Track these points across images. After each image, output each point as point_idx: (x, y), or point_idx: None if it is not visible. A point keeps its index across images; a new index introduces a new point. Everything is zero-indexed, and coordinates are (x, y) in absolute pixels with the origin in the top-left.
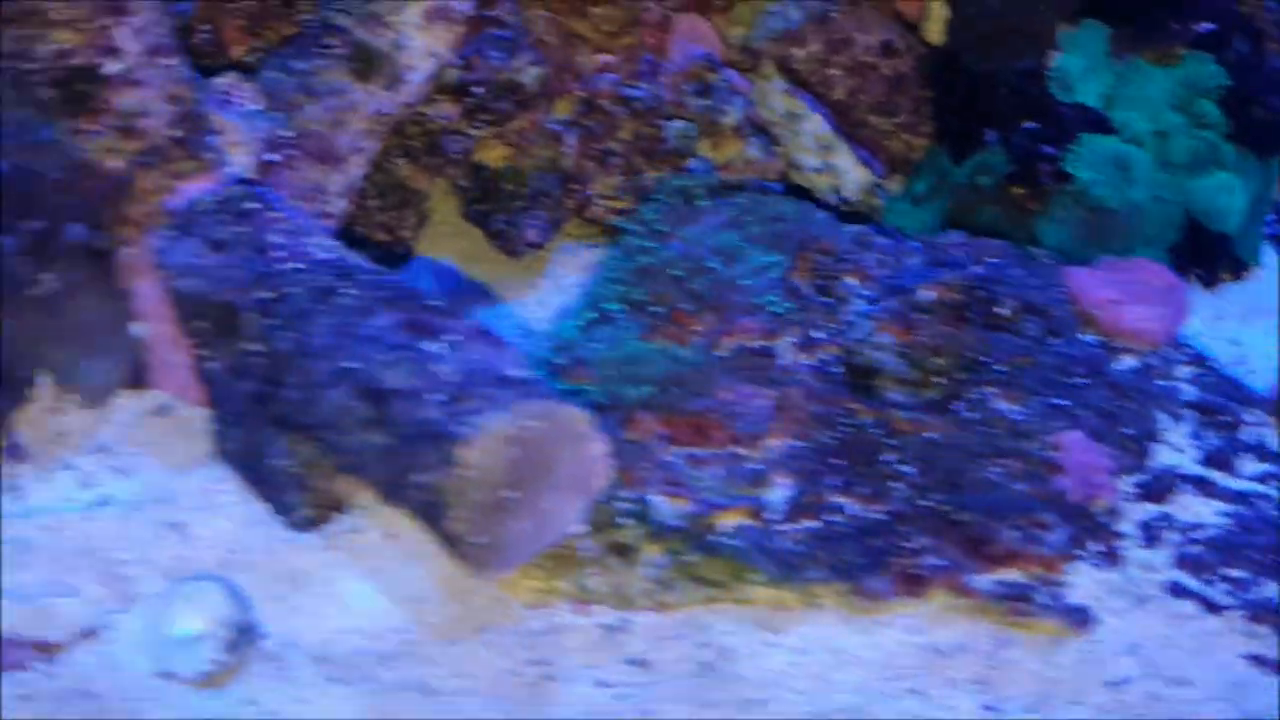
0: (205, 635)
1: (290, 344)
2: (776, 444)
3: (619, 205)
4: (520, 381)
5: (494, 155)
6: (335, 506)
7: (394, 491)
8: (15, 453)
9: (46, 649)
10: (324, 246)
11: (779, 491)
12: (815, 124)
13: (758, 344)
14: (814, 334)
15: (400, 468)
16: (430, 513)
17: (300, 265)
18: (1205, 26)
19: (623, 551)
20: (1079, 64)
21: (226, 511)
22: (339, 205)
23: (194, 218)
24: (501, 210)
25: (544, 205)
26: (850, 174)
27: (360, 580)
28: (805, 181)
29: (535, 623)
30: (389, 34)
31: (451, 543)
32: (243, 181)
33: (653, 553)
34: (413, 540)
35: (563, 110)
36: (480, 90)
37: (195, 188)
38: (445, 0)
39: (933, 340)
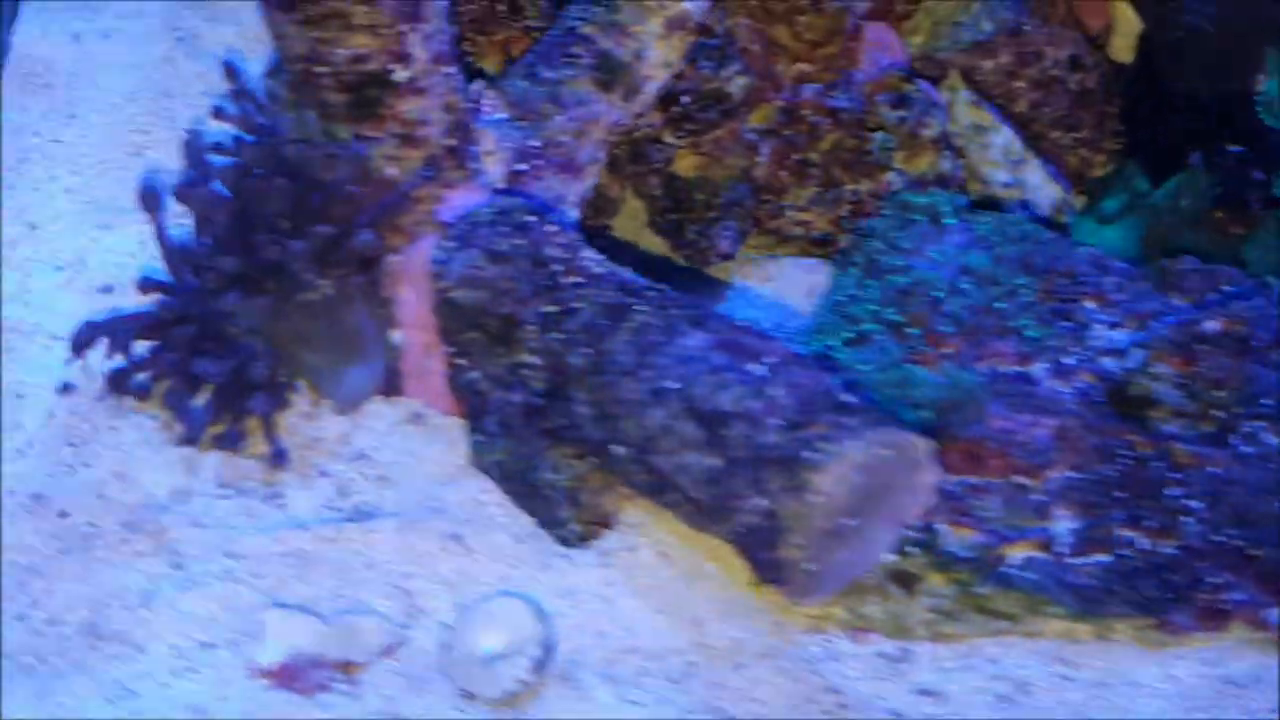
0: (511, 654)
1: (583, 359)
2: (1056, 474)
3: (810, 218)
4: (859, 407)
5: (686, 164)
6: (604, 523)
7: (711, 514)
8: (279, 459)
9: (348, 669)
10: (596, 260)
11: (1063, 524)
12: (1005, 137)
13: (1013, 368)
14: (1064, 360)
15: (728, 491)
16: (758, 537)
17: (580, 279)
18: None
19: (905, 580)
20: None
21: (499, 524)
22: (573, 216)
23: (473, 229)
24: (695, 220)
25: (735, 215)
26: (1042, 190)
27: (636, 599)
28: (991, 196)
29: (813, 648)
30: (632, 44)
31: (775, 568)
32: (516, 191)
33: (936, 583)
34: (686, 559)
35: (760, 119)
36: (687, 99)
37: (460, 197)
38: (683, 8)
39: (1215, 372)
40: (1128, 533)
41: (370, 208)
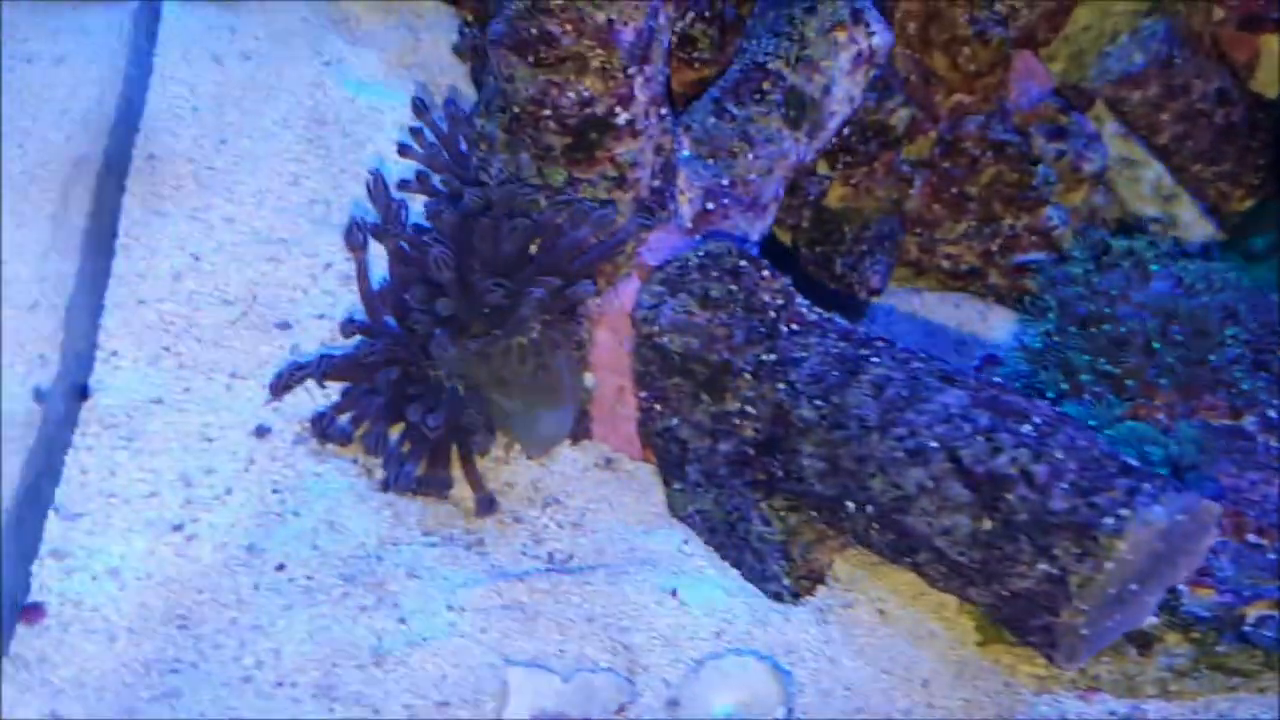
0: (748, 715)
1: (814, 411)
2: None
3: (959, 252)
4: (1147, 471)
5: (834, 195)
6: (818, 578)
7: (973, 577)
8: (488, 506)
9: None
10: (808, 305)
11: None
12: (1156, 172)
13: (1225, 422)
14: (1270, 413)
15: (1002, 555)
16: (1032, 602)
17: (798, 326)
18: None
19: (1143, 641)
20: None
21: (708, 577)
22: (754, 254)
23: (683, 273)
24: (845, 253)
25: (885, 250)
26: (1193, 227)
27: (859, 658)
28: (1141, 231)
29: (1043, 708)
30: (821, 79)
31: (1045, 632)
32: (724, 235)
33: (1173, 642)
34: (906, 618)
35: (915, 151)
36: (848, 131)
37: (658, 238)
38: (875, 42)
39: None
40: None
41: (588, 254)
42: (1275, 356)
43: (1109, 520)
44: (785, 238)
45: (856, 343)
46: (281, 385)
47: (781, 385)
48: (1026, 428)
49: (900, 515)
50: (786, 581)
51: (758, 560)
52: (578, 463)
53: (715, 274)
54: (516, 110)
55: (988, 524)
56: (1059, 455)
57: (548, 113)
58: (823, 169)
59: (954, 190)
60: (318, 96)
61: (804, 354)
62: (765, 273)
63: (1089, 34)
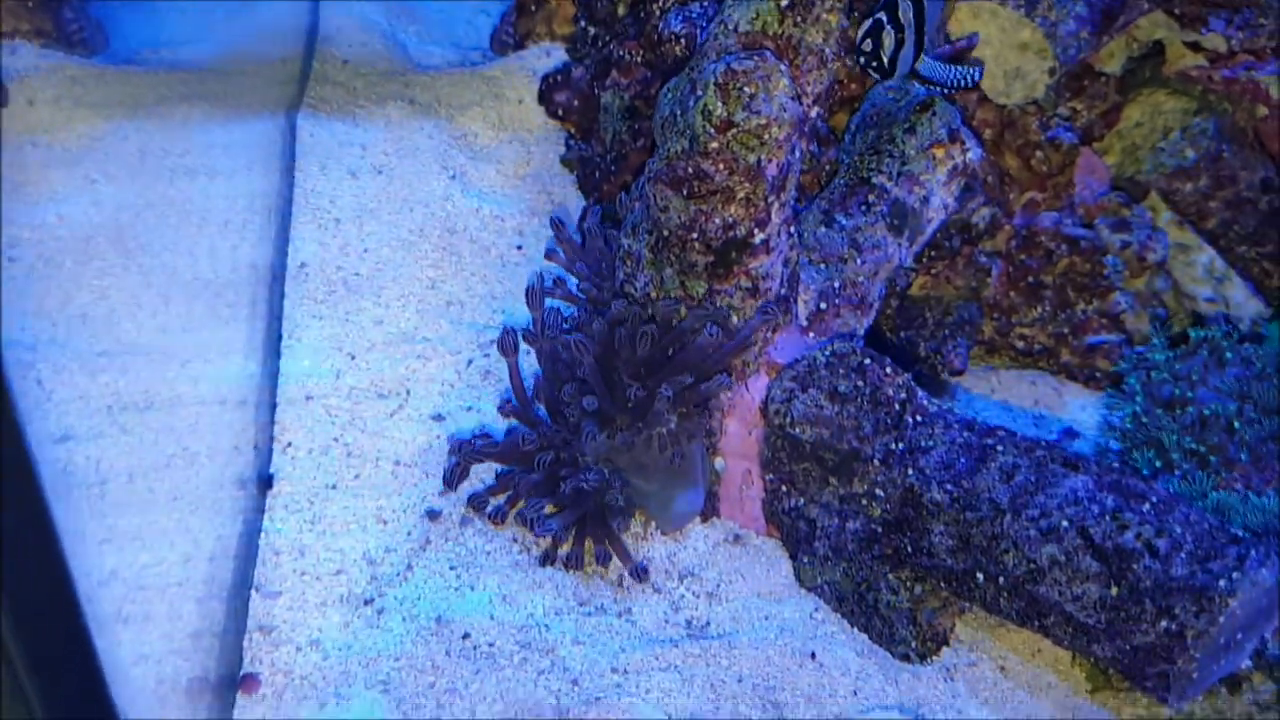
0: None
1: (944, 495)
2: None
3: (1033, 333)
4: (1251, 540)
5: (916, 284)
6: (943, 640)
7: (1097, 635)
8: (641, 573)
9: None
10: (929, 398)
11: None
12: (1209, 256)
13: None
14: None
15: (1127, 616)
16: (1149, 656)
17: (922, 418)
18: None
19: (1232, 682)
20: None
21: (840, 641)
22: (861, 344)
23: (812, 371)
24: (926, 338)
25: (966, 333)
26: (1244, 306)
27: (983, 708)
28: (1192, 310)
29: None
30: (920, 190)
31: (1160, 678)
32: (846, 337)
33: (1259, 681)
34: (1025, 672)
35: (992, 244)
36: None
37: (786, 339)
38: (969, 159)
39: None
40: None
41: (717, 353)
42: None
43: (1223, 582)
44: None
45: (980, 432)
46: (455, 476)
47: (911, 471)
48: (1146, 507)
49: (1033, 585)
50: (914, 644)
51: (887, 625)
52: (709, 539)
53: (842, 371)
54: (666, 234)
55: (1115, 590)
56: (1177, 529)
57: (695, 235)
58: (911, 262)
59: (1029, 279)
60: (447, 208)
61: (931, 443)
62: (888, 369)
63: (1141, 130)
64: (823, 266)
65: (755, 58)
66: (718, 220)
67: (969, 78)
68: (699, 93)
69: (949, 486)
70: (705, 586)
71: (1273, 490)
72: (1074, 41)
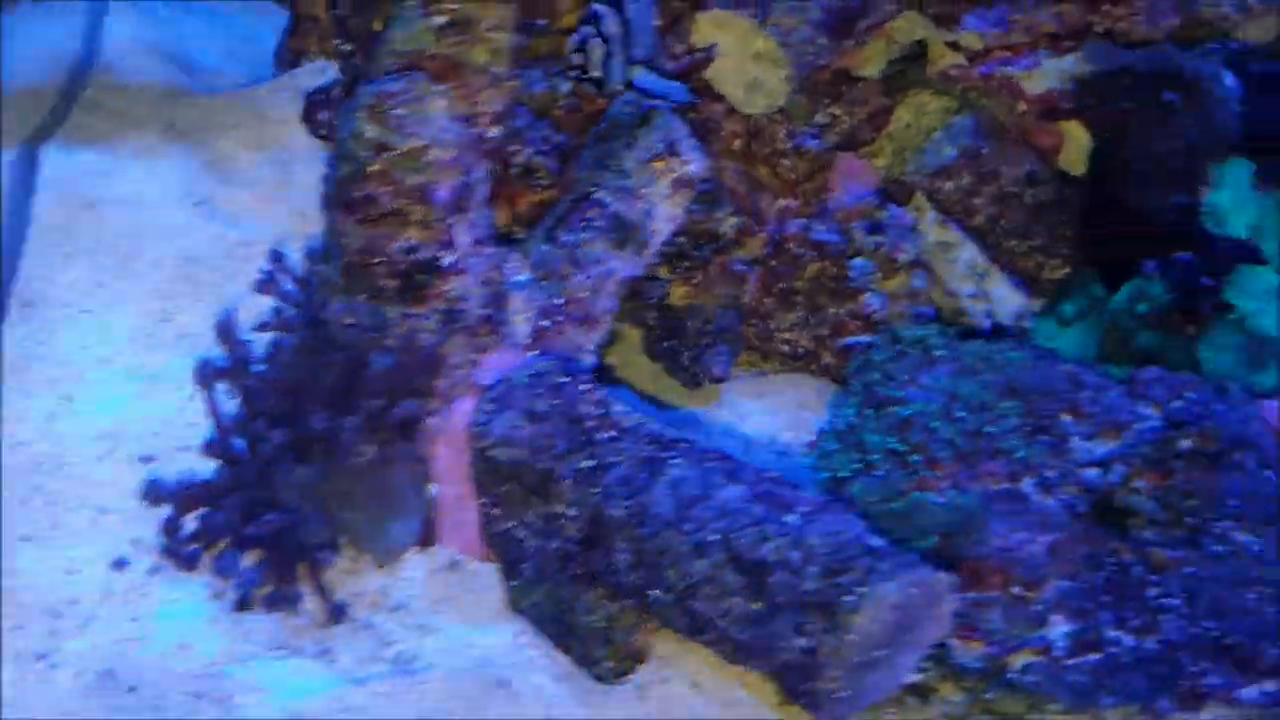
0: None
1: (623, 511)
2: (1051, 585)
3: (794, 337)
4: (887, 550)
5: (678, 294)
6: (638, 658)
7: (752, 652)
8: (339, 614)
9: None
10: (625, 413)
11: (1058, 629)
12: (970, 253)
13: (1004, 486)
14: (1047, 473)
15: (770, 632)
16: (798, 673)
17: (613, 433)
18: None
19: (921, 693)
20: (1228, 198)
21: (538, 666)
22: (591, 363)
23: (510, 392)
24: (688, 346)
25: (726, 340)
26: (1006, 300)
27: None
28: (957, 307)
29: None
30: (641, 205)
31: (811, 695)
32: (547, 355)
33: (948, 692)
34: (717, 688)
35: (747, 252)
36: (682, 239)
37: (494, 359)
38: (688, 171)
39: (1187, 484)
40: (1115, 632)
41: (406, 378)
42: (1057, 421)
43: (849, 598)
44: (636, 337)
45: (664, 444)
46: (172, 531)
47: (598, 488)
48: (792, 517)
49: (690, 600)
50: (608, 664)
51: (583, 646)
52: (424, 568)
53: (539, 390)
54: (350, 260)
55: (757, 605)
56: (815, 541)
57: (378, 260)
58: (665, 273)
59: (782, 285)
60: (192, 236)
61: (617, 459)
62: (585, 386)
63: (909, 131)
64: (545, 284)
65: (406, 79)
66: (398, 244)
67: (678, 92)
68: (355, 116)
69: (626, 502)
70: (416, 619)
71: (982, 488)
72: (810, 49)
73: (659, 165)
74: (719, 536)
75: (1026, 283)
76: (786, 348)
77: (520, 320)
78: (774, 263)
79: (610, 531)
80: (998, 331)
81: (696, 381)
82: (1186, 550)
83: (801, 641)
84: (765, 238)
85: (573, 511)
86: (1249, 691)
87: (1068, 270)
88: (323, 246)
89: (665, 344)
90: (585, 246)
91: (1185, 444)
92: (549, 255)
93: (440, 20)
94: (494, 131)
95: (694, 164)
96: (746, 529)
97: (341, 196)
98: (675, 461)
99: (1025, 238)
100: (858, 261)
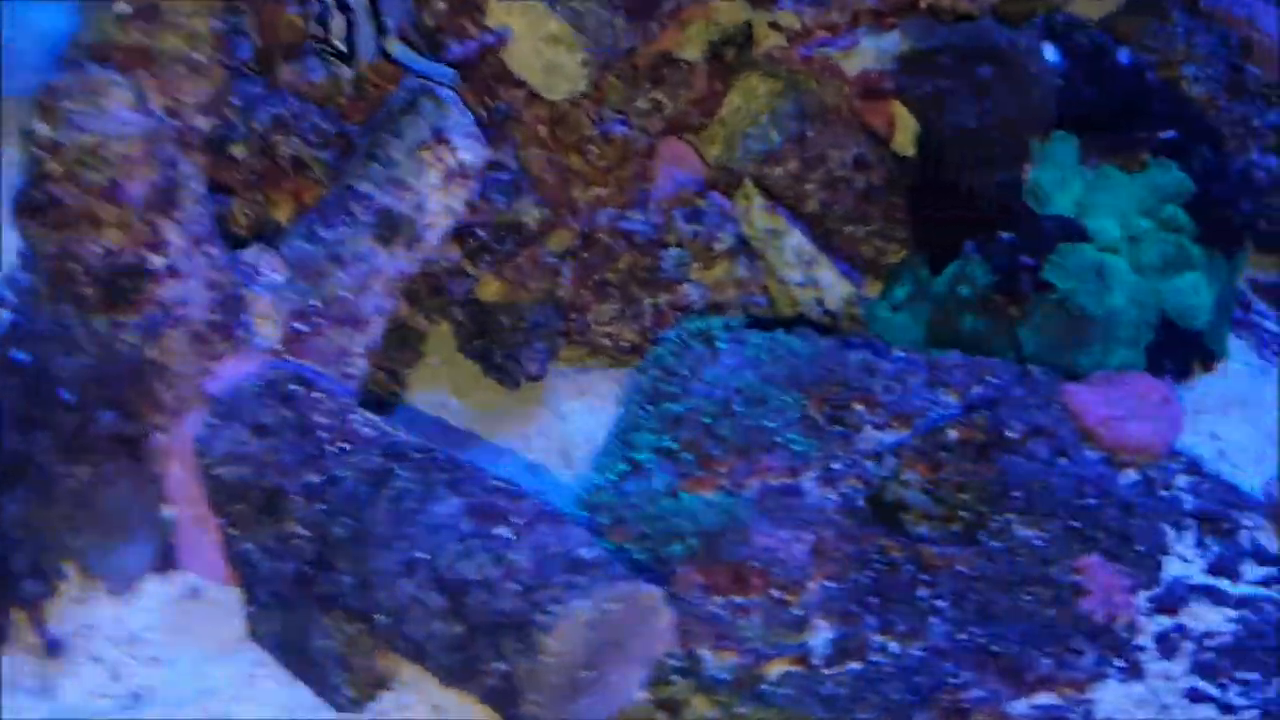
0: None
1: (345, 530)
2: (814, 586)
3: (615, 330)
4: (593, 563)
5: (490, 290)
6: (379, 684)
7: (461, 677)
8: (55, 648)
9: None
10: (366, 421)
11: (821, 635)
12: (797, 239)
13: (783, 482)
14: (833, 466)
15: (472, 655)
16: (503, 697)
17: (346, 445)
18: (1168, 134)
19: (671, 708)
20: (1052, 175)
21: (270, 697)
22: (361, 366)
23: (237, 403)
24: (501, 344)
25: (542, 336)
26: (833, 287)
27: None
28: (789, 295)
29: None
30: (411, 197)
31: None
32: (283, 362)
33: (700, 706)
34: (458, 712)
35: (559, 244)
36: (483, 232)
37: (230, 368)
38: (462, 160)
39: (959, 476)
40: (879, 638)
41: (117, 390)
42: (849, 411)
43: (541, 616)
44: (447, 332)
45: (394, 454)
46: None
47: (323, 505)
48: (501, 530)
49: (401, 624)
50: (346, 691)
51: (320, 674)
52: (162, 596)
53: (269, 401)
54: (46, 268)
55: (459, 628)
56: (521, 556)
57: (75, 266)
58: (469, 268)
59: (595, 278)
60: None
61: (346, 472)
62: (318, 394)
63: (738, 117)
64: (300, 284)
65: (77, 72)
66: (95, 248)
67: (442, 74)
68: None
69: (347, 520)
70: (150, 650)
71: (760, 484)
72: (607, 30)
73: (427, 155)
74: (427, 555)
75: (864, 268)
76: (609, 341)
77: (267, 324)
78: (586, 254)
79: (337, 552)
80: (831, 320)
81: (515, 380)
82: (960, 547)
83: (500, 665)
84: (577, 229)
85: (304, 531)
86: (1018, 705)
87: (905, 254)
88: (25, 253)
89: (476, 342)
90: (350, 243)
91: (952, 434)
92: (308, 254)
93: (124, 8)
94: (201, 122)
95: (467, 153)
96: (450, 545)
97: (24, 200)
98: (401, 473)
99: (861, 222)
100: (671, 251)
